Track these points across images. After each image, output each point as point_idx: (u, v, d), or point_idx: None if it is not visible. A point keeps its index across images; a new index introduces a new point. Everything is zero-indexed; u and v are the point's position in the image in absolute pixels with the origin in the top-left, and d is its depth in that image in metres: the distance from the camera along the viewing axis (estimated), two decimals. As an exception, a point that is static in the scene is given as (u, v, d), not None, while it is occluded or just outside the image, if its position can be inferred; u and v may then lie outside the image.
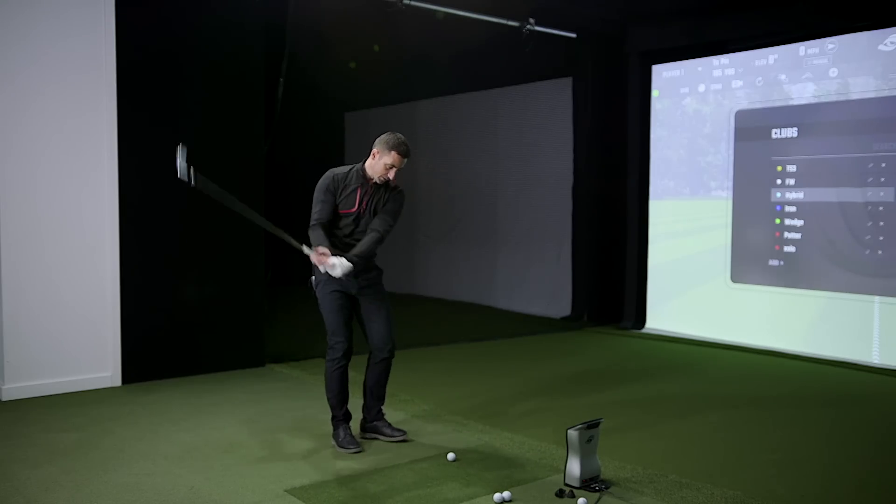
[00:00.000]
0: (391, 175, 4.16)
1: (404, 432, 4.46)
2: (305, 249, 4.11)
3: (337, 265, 4.02)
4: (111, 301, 5.68)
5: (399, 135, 4.18)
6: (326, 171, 4.31)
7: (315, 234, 4.17)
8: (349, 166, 4.30)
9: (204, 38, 6.04)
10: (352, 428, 4.40)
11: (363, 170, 4.22)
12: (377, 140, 4.19)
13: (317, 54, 8.82)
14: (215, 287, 6.15)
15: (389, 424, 4.49)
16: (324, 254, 4.04)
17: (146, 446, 4.32)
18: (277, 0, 6.86)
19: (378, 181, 4.19)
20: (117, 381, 5.72)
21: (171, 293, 5.95)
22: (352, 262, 4.06)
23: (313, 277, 4.32)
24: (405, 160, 4.16)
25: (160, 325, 5.90)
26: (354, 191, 4.21)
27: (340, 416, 4.36)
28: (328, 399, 4.36)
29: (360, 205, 4.20)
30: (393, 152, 4.12)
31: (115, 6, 5.56)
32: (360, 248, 4.16)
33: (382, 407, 4.51)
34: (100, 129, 5.59)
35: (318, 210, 4.20)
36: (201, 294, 6.08)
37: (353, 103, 11.92)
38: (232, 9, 6.13)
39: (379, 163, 4.15)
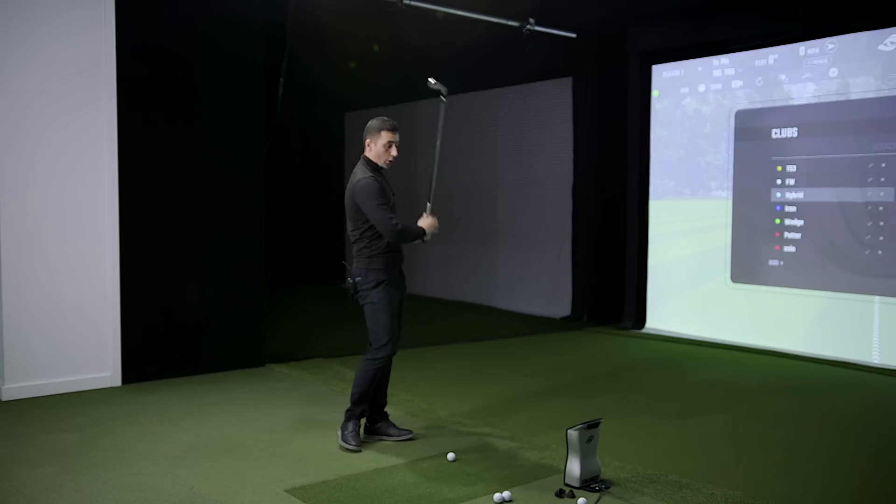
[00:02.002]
0: (394, 152, 4.29)
1: (410, 431, 4.49)
2: (427, 236, 4.34)
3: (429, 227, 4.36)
4: (111, 301, 5.68)
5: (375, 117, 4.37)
6: (348, 174, 4.47)
7: (406, 225, 4.26)
8: (362, 171, 4.31)
9: (204, 38, 6.04)
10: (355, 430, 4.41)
11: (371, 164, 4.30)
12: (364, 134, 4.35)
13: (317, 54, 8.82)
14: (215, 287, 6.15)
15: (394, 425, 4.51)
16: (429, 224, 4.34)
17: (146, 446, 4.32)
18: (277, 0, 6.86)
19: (386, 165, 4.32)
20: (117, 381, 5.72)
21: (171, 293, 5.95)
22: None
23: (359, 278, 4.28)
24: (397, 133, 4.30)
25: (160, 325, 5.90)
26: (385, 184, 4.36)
27: (359, 413, 4.37)
28: (361, 393, 4.32)
29: (392, 196, 4.38)
30: (384, 131, 4.28)
31: (115, 7, 5.57)
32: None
33: (386, 408, 4.54)
34: (100, 128, 5.59)
35: (390, 213, 4.25)
36: (201, 294, 6.08)
37: (353, 103, 11.92)
38: (232, 9, 6.13)
39: (378, 146, 4.28)
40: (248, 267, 6.35)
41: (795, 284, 7.19)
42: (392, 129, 4.28)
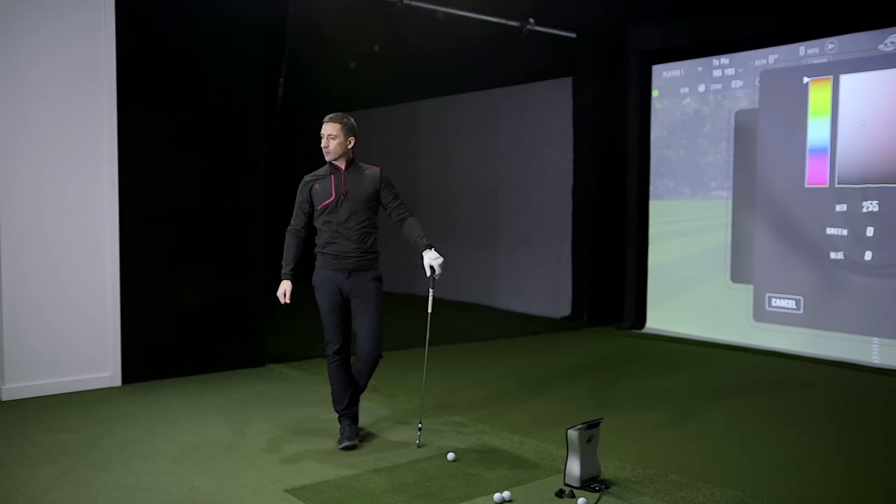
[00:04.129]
0: (331, 145, 4.23)
1: (355, 444, 4.31)
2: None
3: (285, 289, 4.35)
4: (111, 301, 5.68)
5: None
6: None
7: (286, 243, 4.41)
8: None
9: (204, 38, 6.04)
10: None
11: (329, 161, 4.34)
12: None
13: (317, 54, 8.81)
14: (215, 287, 6.15)
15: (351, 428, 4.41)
16: (284, 291, 4.35)
17: (146, 446, 4.32)
18: (278, 0, 6.86)
19: (328, 159, 4.28)
20: (117, 381, 5.72)
21: (171, 293, 5.94)
22: (432, 245, 4.34)
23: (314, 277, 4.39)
24: (331, 124, 4.24)
25: (160, 324, 5.90)
26: (328, 180, 4.29)
27: (341, 412, 4.39)
28: (331, 392, 4.43)
29: (336, 192, 4.27)
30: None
31: (114, 9, 5.57)
32: (416, 229, 4.39)
33: (357, 403, 4.46)
34: (100, 130, 5.59)
35: (293, 217, 4.43)
36: (201, 294, 6.08)
37: (353, 103, 11.91)
38: (232, 10, 6.13)
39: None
40: (247, 267, 6.35)
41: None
42: (325, 121, 4.26)
